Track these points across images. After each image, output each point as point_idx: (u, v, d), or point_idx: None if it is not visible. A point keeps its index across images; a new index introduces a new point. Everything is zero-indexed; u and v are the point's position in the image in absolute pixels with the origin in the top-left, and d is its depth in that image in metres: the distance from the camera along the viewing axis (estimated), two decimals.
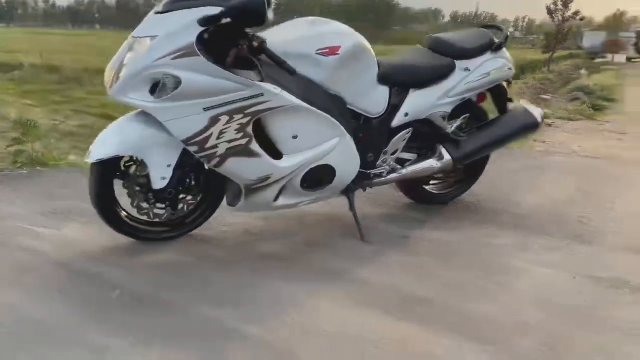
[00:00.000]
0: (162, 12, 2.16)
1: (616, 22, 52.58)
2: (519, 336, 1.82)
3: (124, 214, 2.40)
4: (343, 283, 2.17)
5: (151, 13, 2.23)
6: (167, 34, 2.08)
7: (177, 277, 2.20)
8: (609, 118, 7.01)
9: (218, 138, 2.18)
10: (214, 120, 2.15)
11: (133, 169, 2.34)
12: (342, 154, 2.46)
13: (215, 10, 2.06)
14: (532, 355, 1.74)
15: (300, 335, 1.81)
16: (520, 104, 3.02)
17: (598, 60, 26.61)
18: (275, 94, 2.19)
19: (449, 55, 2.70)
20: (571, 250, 2.52)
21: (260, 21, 2.05)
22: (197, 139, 2.16)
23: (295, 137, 2.32)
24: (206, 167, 2.35)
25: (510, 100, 2.99)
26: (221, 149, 2.21)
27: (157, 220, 2.43)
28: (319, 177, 2.46)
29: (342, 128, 2.41)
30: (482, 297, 2.07)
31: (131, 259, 2.34)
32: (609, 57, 27.94)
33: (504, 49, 2.85)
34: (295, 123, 2.30)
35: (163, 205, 2.40)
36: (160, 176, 2.28)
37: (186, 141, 2.17)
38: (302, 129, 2.32)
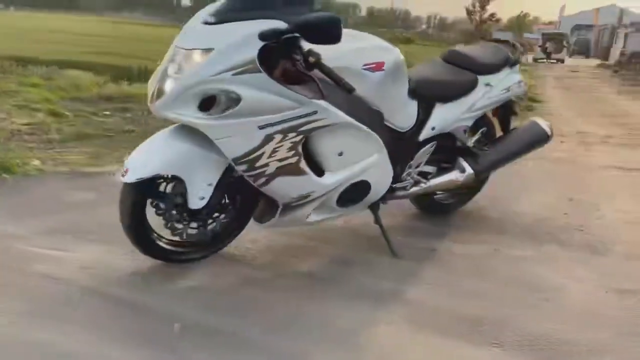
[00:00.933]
0: (213, 23, 2.02)
1: (519, 23, 55.75)
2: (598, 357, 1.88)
3: (154, 235, 2.24)
4: (394, 305, 2.14)
5: (196, 23, 2.08)
6: (225, 47, 1.95)
7: (221, 300, 2.10)
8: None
9: (269, 157, 2.08)
10: (268, 139, 2.05)
11: (170, 188, 2.19)
12: (379, 169, 2.43)
13: (280, 25, 1.97)
14: None
15: None
16: (530, 118, 3.12)
17: None
18: (329, 111, 2.12)
19: (470, 70, 2.74)
20: (592, 262, 2.64)
21: (335, 40, 1.97)
22: (248, 158, 2.05)
23: (340, 154, 2.27)
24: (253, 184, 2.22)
25: (516, 113, 3.09)
26: (271, 168, 2.11)
27: (189, 240, 2.29)
28: (354, 193, 2.42)
29: (382, 143, 2.38)
30: (539, 315, 2.11)
31: (166, 283, 2.19)
32: None
33: (517, 65, 2.94)
34: (341, 140, 2.24)
35: (196, 225, 2.27)
36: (199, 196, 2.15)
37: (236, 160, 2.05)
38: (348, 146, 2.27)
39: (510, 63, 2.86)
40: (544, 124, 3.02)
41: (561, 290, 2.32)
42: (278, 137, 2.06)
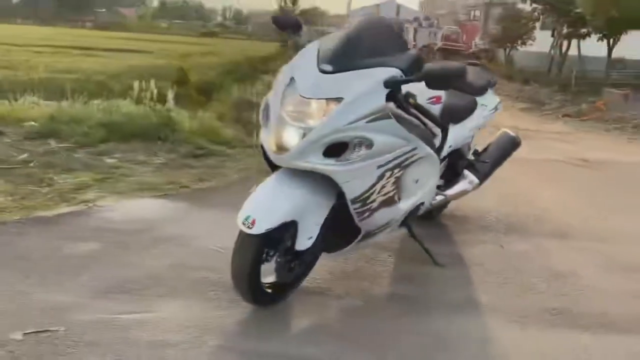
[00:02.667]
0: (332, 72, 2.08)
1: (309, 15, 58.83)
2: None
3: (262, 282, 2.21)
4: (476, 309, 2.44)
5: (311, 70, 2.12)
6: (355, 96, 2.05)
7: (328, 332, 2.18)
8: None
9: (378, 193, 2.20)
10: (381, 177, 2.18)
11: (286, 234, 2.17)
12: (433, 189, 2.68)
13: (399, 73, 2.12)
14: None
15: None
16: (501, 129, 3.60)
17: None
18: (422, 145, 2.31)
19: (470, 93, 3.11)
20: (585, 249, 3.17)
21: (452, 87, 2.16)
22: (364, 196, 2.16)
23: (416, 181, 2.46)
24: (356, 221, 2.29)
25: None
26: (376, 203, 2.23)
27: (284, 281, 2.29)
28: (412, 213, 2.63)
29: (438, 166, 2.63)
30: (603, 299, 2.56)
31: (272, 327, 2.19)
32: None
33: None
34: (421, 168, 2.43)
35: (293, 265, 2.28)
36: (307, 236, 2.17)
37: (354, 199, 2.14)
38: (423, 173, 2.47)
39: (491, 84, 3.30)
40: (513, 133, 3.53)
41: (587, 277, 2.81)
42: (388, 174, 2.20)
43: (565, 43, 15.31)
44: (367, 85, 2.08)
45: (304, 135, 2.05)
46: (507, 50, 19.97)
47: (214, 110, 6.50)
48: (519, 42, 19.02)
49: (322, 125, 2.04)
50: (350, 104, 2.05)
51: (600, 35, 12.85)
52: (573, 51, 15.19)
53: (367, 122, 2.06)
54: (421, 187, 2.51)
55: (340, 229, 2.37)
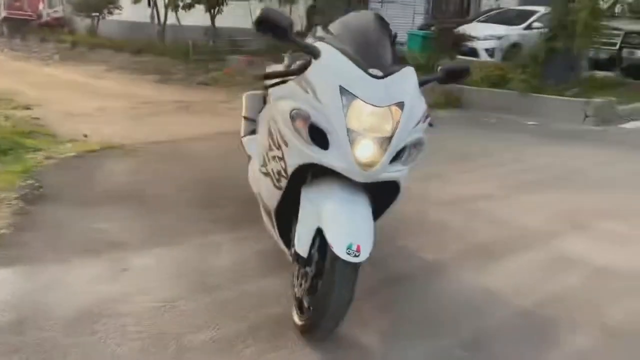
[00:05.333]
0: (382, 77, 2.05)
1: None
2: None
3: None
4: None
5: (367, 77, 2.03)
6: (411, 99, 2.09)
7: None
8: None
9: None
10: None
11: None
12: None
13: (439, 74, 2.38)
14: None
15: None
16: None
17: None
18: None
19: None
20: None
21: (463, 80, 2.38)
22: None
23: None
24: None
25: None
26: None
27: None
28: None
29: None
30: None
31: None
32: None
33: None
34: None
35: None
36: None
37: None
38: None
39: None
40: None
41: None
42: None
43: (162, 13, 15.64)
44: (412, 86, 2.13)
45: (381, 145, 2.00)
46: (95, 19, 19.06)
47: None
48: (105, 11, 18.41)
49: (399, 132, 2.02)
50: (411, 108, 2.07)
51: (206, 6, 13.79)
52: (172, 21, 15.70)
53: (422, 122, 2.16)
54: None
55: None
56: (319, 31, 2.41)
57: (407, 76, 2.13)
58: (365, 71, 2.03)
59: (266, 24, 2.09)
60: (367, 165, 2.01)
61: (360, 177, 2.04)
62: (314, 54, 2.14)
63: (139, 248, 3.11)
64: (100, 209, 3.66)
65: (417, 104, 2.13)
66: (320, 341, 2.26)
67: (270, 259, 3.01)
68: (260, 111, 3.63)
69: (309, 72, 2.14)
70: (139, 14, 17.17)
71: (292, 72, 2.30)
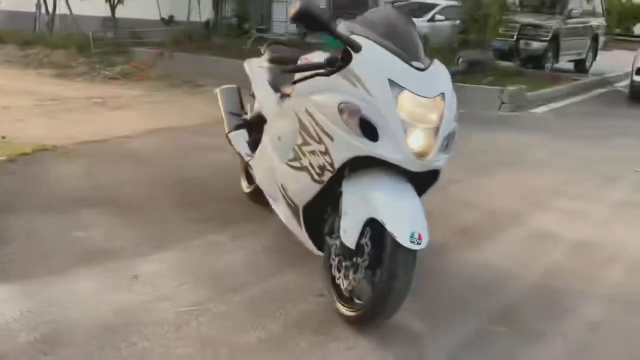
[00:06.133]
0: (424, 69, 2.18)
1: None
2: None
3: None
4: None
5: (411, 69, 2.15)
6: (449, 90, 2.22)
7: None
8: None
9: None
10: None
11: None
12: None
13: (461, 67, 2.53)
14: None
15: None
16: None
17: None
18: None
19: None
20: None
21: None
22: None
23: None
24: None
25: None
26: None
27: None
28: None
29: None
30: None
31: None
32: None
33: None
34: None
35: None
36: None
37: None
38: None
39: None
40: None
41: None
42: None
43: (50, 1, 14.45)
44: (447, 78, 2.26)
45: (430, 135, 2.14)
46: None
47: None
48: None
49: (445, 121, 2.14)
50: (451, 98, 2.21)
51: None
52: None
53: (457, 111, 2.29)
54: None
55: None
56: (343, 26, 2.43)
57: (442, 68, 2.26)
58: (409, 64, 2.13)
59: (306, 17, 2.09)
60: (420, 155, 2.10)
61: (416, 166, 2.12)
62: (355, 48, 2.17)
63: (139, 254, 2.94)
64: (72, 215, 3.39)
65: (453, 95, 2.25)
66: (374, 329, 2.30)
67: (277, 255, 3.00)
68: (240, 104, 3.58)
69: (355, 66, 2.17)
70: (22, 2, 15.71)
71: (320, 65, 2.32)
